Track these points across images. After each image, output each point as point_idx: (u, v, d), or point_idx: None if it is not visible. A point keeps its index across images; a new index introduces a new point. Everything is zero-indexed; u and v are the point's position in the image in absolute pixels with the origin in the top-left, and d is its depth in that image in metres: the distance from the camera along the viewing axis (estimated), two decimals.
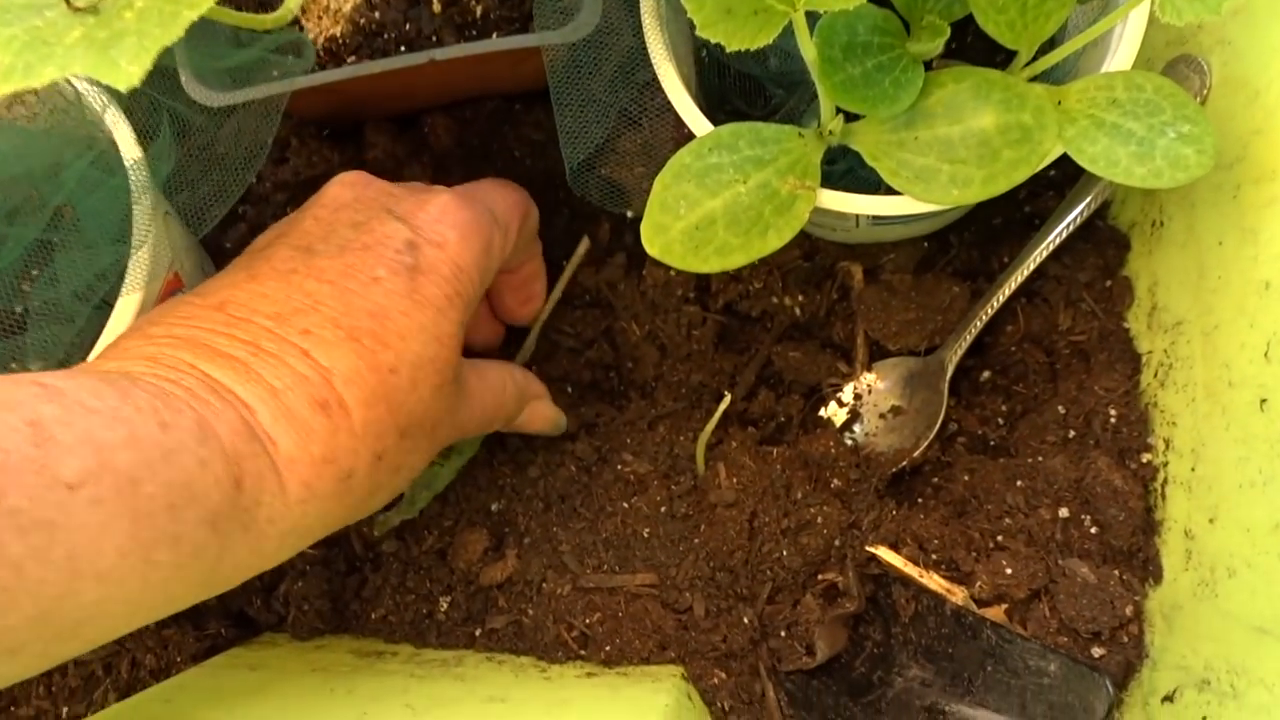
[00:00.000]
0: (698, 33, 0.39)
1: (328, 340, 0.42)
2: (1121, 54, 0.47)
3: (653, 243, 0.45)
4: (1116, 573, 0.52)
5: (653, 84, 0.54)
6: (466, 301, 0.48)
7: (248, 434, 0.39)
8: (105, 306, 0.51)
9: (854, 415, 0.62)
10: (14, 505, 0.30)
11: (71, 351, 0.52)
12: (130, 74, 0.33)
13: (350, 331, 0.43)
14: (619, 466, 0.60)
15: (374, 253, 0.46)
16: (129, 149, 0.51)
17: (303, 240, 0.47)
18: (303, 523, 0.41)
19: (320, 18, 0.59)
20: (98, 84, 0.52)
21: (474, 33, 0.59)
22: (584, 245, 0.63)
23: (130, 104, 0.52)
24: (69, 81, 0.52)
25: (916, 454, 0.59)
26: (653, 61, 0.51)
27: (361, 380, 0.42)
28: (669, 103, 0.52)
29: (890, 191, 0.47)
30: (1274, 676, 0.42)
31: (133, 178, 0.50)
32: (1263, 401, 0.45)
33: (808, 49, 0.42)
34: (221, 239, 0.65)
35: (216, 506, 0.37)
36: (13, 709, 0.60)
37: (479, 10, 0.59)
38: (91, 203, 0.53)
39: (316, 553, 0.60)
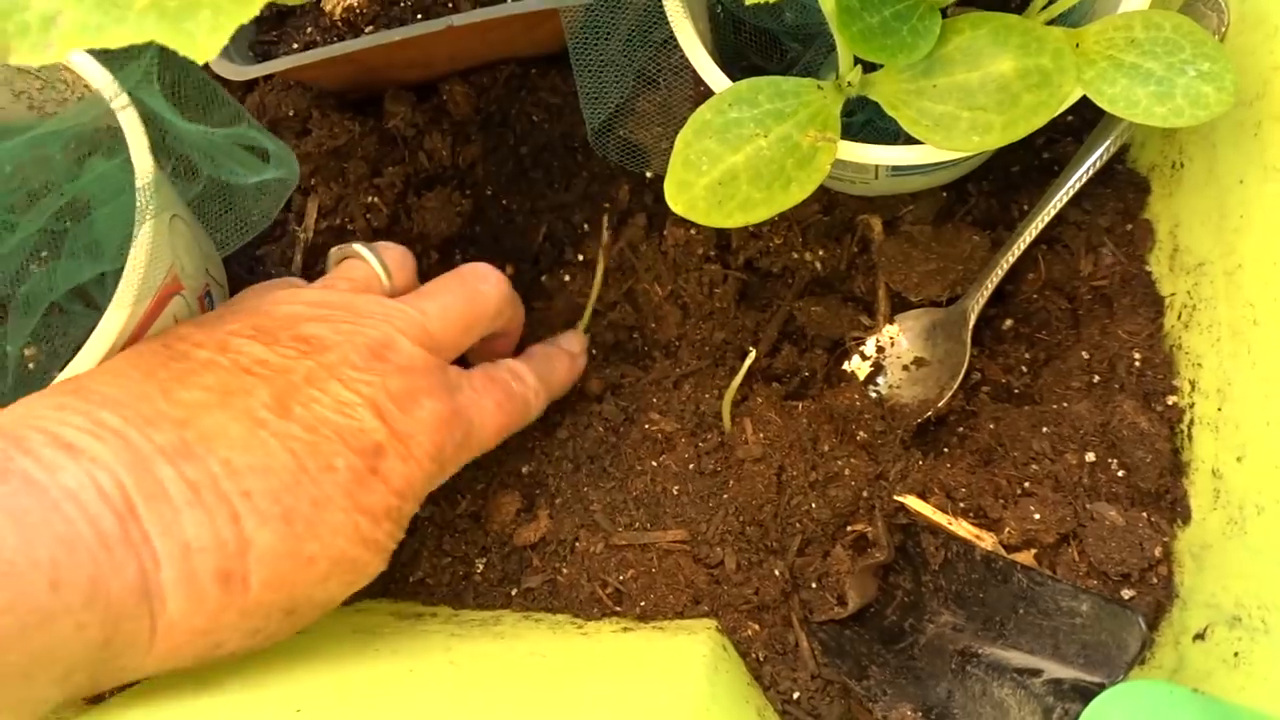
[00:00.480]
0: None
1: (262, 512, 0.42)
2: None
3: (677, 200, 0.45)
4: (1144, 515, 0.53)
5: (669, 43, 0.54)
6: (401, 518, 0.48)
7: (140, 593, 0.38)
8: (98, 309, 0.50)
9: (877, 368, 0.62)
10: None
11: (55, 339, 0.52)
12: (207, 47, 0.33)
13: (286, 512, 0.42)
14: (646, 426, 0.61)
15: (342, 441, 0.45)
16: (142, 165, 0.49)
17: (286, 387, 0.45)
18: (146, 673, 0.41)
19: None
20: (124, 90, 0.50)
21: None
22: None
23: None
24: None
25: (941, 404, 0.60)
26: (669, 19, 0.51)
27: (275, 563, 0.42)
28: (686, 62, 0.52)
29: (910, 141, 0.48)
30: None
31: (139, 198, 0.48)
32: None
33: None
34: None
35: (74, 663, 0.36)
36: None
37: None
38: (106, 199, 0.53)
39: None
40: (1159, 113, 0.43)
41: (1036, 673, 0.45)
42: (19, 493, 0.36)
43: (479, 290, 0.54)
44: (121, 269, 0.47)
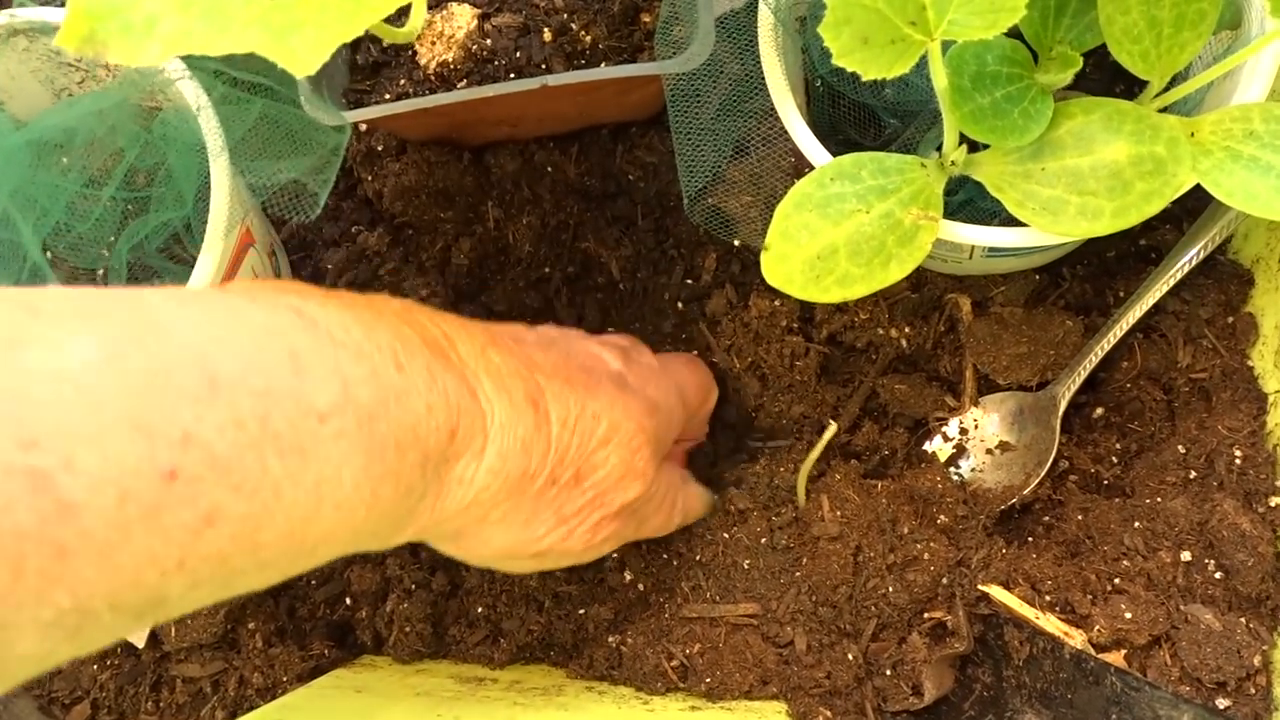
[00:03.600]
0: (834, 61, 0.38)
1: (547, 372, 0.46)
2: (1257, 85, 0.46)
3: (774, 273, 0.45)
4: (1243, 620, 0.51)
5: (761, 112, 0.54)
6: (655, 443, 0.50)
7: (470, 394, 0.41)
8: (187, 263, 0.54)
9: (960, 450, 0.61)
10: (277, 429, 0.32)
11: None
12: (307, 62, 0.33)
13: (567, 377, 0.46)
14: (721, 500, 0.60)
15: (591, 369, 0.49)
16: (205, 110, 0.52)
17: (525, 342, 0.49)
18: (478, 500, 0.42)
19: (434, 43, 0.60)
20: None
21: (583, 61, 0.60)
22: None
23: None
24: None
25: (1027, 491, 0.58)
26: (771, 93, 0.51)
27: (564, 403, 0.45)
28: (777, 132, 0.52)
29: (1008, 222, 0.47)
30: None
31: (208, 140, 0.52)
32: None
33: (939, 78, 0.41)
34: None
35: (429, 451, 0.38)
36: None
37: (588, 39, 0.60)
38: (178, 152, 0.56)
39: (421, 574, 0.61)
40: (1278, 204, 0.42)
41: None
42: (355, 302, 0.39)
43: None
44: (204, 214, 0.51)
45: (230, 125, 0.51)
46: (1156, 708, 0.45)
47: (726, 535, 0.59)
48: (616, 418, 0.47)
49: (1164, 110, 0.47)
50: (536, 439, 0.43)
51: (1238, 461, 0.53)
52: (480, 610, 0.61)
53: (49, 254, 0.51)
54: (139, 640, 0.60)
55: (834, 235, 0.44)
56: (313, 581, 0.62)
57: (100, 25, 0.33)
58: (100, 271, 0.57)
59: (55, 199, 0.49)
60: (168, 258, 0.54)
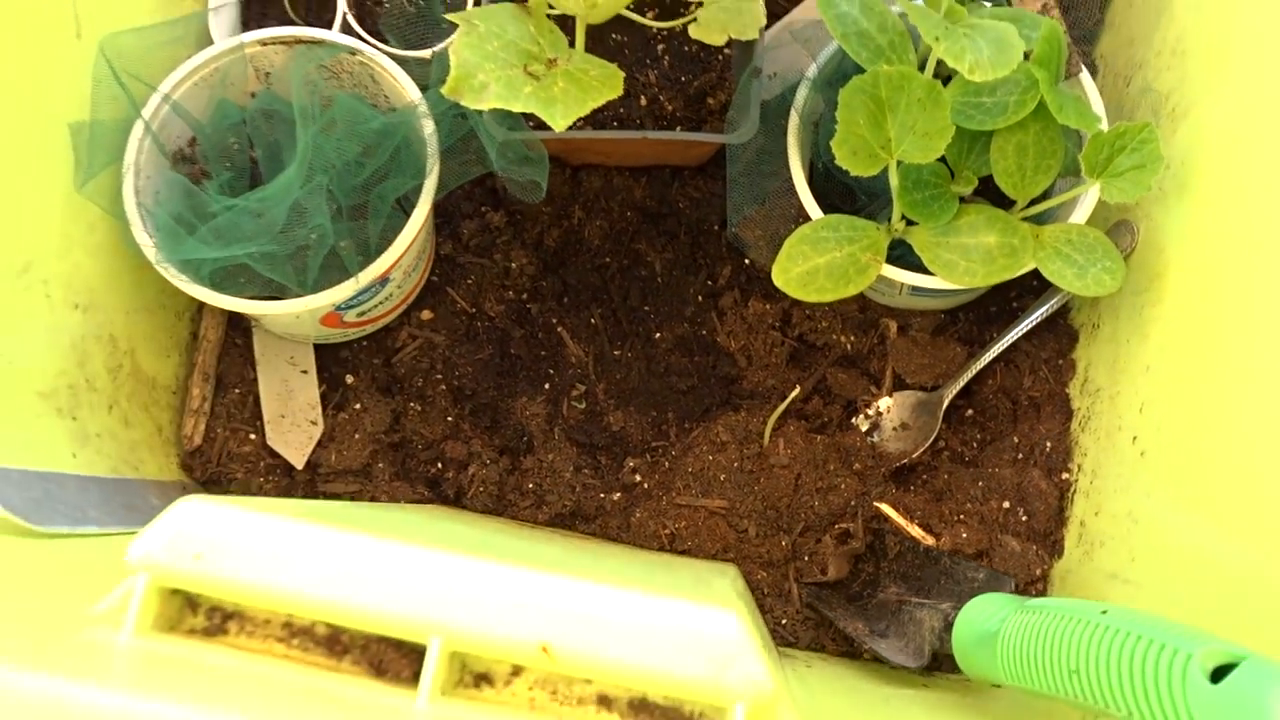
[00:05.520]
0: (835, 162, 0.67)
1: None
2: (1081, 212, 0.75)
3: (779, 278, 0.73)
4: (1034, 548, 0.79)
5: (776, 175, 0.82)
6: None
7: None
8: (403, 214, 0.81)
9: (875, 425, 0.89)
10: None
11: (382, 242, 0.80)
12: (561, 123, 0.61)
13: None
14: (709, 433, 0.88)
15: None
16: (427, 126, 0.80)
17: None
18: None
19: None
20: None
21: (665, 123, 0.88)
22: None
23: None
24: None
25: (915, 456, 0.86)
26: (790, 168, 0.79)
27: None
28: (786, 189, 0.80)
29: (927, 273, 0.75)
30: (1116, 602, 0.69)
31: (429, 146, 0.80)
32: (1134, 438, 0.72)
33: (894, 179, 0.70)
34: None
35: None
36: None
37: (670, 109, 0.88)
38: (406, 154, 0.83)
39: (494, 454, 0.88)
40: (1077, 285, 0.71)
41: (943, 604, 0.71)
42: None
43: None
44: (417, 186, 0.79)
45: (446, 137, 0.79)
46: (966, 572, 0.73)
47: (711, 458, 0.87)
48: None
49: (1027, 219, 0.77)
50: None
51: (1048, 449, 0.82)
52: (530, 486, 0.88)
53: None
54: (299, 463, 0.86)
55: (818, 261, 0.73)
56: (420, 446, 0.89)
57: (462, 84, 0.60)
58: (333, 208, 0.83)
59: (337, 161, 0.77)
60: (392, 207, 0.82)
